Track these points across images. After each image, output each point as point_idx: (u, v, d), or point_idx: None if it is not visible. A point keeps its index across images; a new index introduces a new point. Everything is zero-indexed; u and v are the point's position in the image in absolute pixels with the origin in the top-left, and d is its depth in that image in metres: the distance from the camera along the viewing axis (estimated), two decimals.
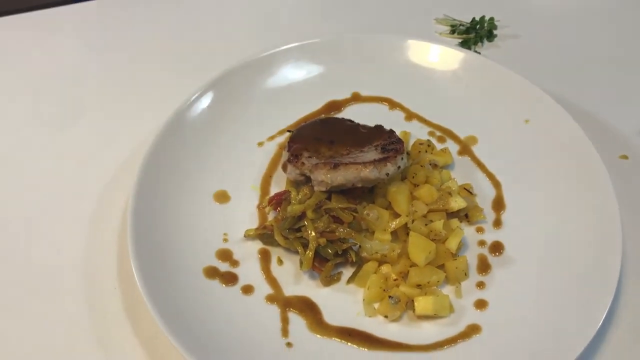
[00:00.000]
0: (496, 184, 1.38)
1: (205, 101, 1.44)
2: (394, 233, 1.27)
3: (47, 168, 1.44)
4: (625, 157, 1.46)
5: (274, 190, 1.37)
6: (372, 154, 1.30)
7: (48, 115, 1.56)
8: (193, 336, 1.10)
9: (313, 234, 1.21)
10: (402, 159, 1.29)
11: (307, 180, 1.30)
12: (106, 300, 1.22)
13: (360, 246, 1.25)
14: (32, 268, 1.27)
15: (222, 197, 1.35)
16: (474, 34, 1.70)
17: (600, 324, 1.10)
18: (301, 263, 1.22)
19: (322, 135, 1.36)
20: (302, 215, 1.24)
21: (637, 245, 1.30)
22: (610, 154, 1.45)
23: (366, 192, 1.31)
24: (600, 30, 1.78)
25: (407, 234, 1.25)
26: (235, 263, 1.25)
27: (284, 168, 1.33)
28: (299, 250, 1.23)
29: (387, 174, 1.26)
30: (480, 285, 1.23)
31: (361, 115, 1.46)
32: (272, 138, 1.46)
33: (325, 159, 1.29)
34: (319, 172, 1.26)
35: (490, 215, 1.33)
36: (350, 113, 1.51)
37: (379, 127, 1.39)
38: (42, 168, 1.44)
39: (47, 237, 1.32)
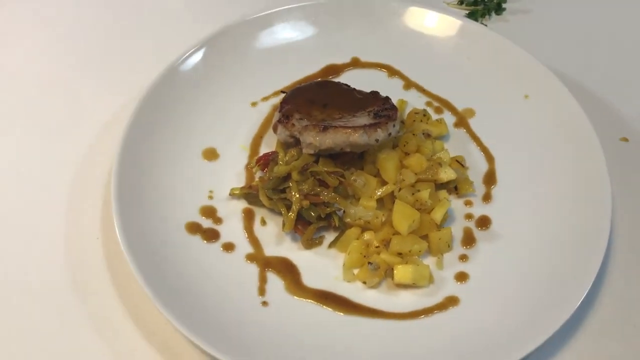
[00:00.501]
0: (489, 158, 1.36)
1: (201, 57, 1.42)
2: (380, 201, 1.26)
3: (37, 118, 1.43)
4: (625, 139, 1.43)
5: (263, 151, 1.36)
6: (364, 120, 1.28)
7: (39, 67, 1.54)
8: (169, 288, 1.10)
9: (297, 195, 1.20)
10: (393, 126, 1.27)
11: (297, 142, 1.28)
12: (87, 249, 1.22)
13: (344, 211, 1.24)
14: (16, 214, 1.28)
15: (211, 154, 1.34)
16: (482, 5, 1.66)
17: (580, 302, 1.09)
18: (284, 224, 1.21)
19: (315, 98, 1.34)
20: (287, 177, 1.23)
21: (628, 229, 1.27)
22: (611, 135, 1.42)
23: (355, 158, 1.29)
24: (615, 10, 1.71)
25: (394, 202, 1.23)
26: (218, 220, 1.25)
27: (275, 129, 1.32)
28: (282, 212, 1.22)
29: (377, 140, 1.24)
30: (463, 258, 1.22)
31: (359, 81, 1.43)
32: (266, 99, 1.44)
33: (316, 122, 1.27)
34: (307, 134, 1.24)
35: (480, 189, 1.31)
36: (349, 78, 1.48)
37: (374, 93, 1.36)
38: (33, 120, 1.43)
39: (33, 185, 1.32)
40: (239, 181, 1.31)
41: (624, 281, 1.20)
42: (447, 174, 1.26)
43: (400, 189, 1.23)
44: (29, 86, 1.49)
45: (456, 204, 1.29)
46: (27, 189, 1.32)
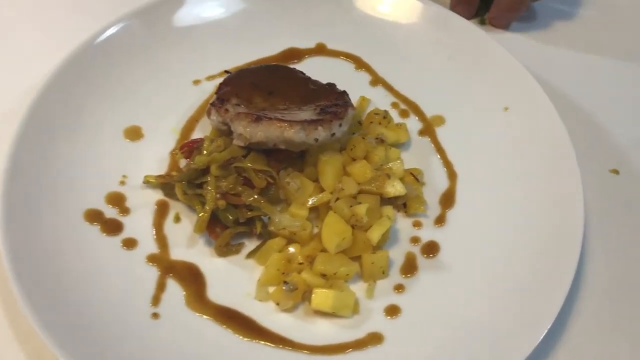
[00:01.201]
0: (452, 175, 1.18)
1: (140, 23, 1.25)
2: (314, 210, 1.09)
3: None
4: (616, 171, 1.24)
5: (196, 136, 1.20)
6: (308, 114, 1.11)
7: None
8: (43, 285, 0.95)
9: (213, 193, 1.03)
10: (339, 125, 1.09)
11: (230, 132, 1.11)
12: None
13: (269, 218, 1.07)
14: None
15: (134, 133, 1.18)
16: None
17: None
18: (195, 225, 1.05)
19: (262, 83, 1.17)
20: (207, 170, 1.06)
21: (605, 275, 1.09)
22: (601, 166, 1.23)
23: (295, 157, 1.12)
24: (625, 29, 1.51)
25: None
26: (125, 210, 1.09)
27: (208, 113, 1.15)
28: (197, 210, 1.05)
29: (316, 140, 1.07)
30: (399, 288, 1.04)
31: (322, 70, 1.26)
32: (211, 78, 1.28)
33: (252, 110, 1.10)
34: (239, 123, 1.07)
35: (434, 209, 1.14)
36: (310, 66, 1.31)
37: (331, 86, 1.20)
38: None
39: None
40: (160, 168, 1.15)
41: (586, 339, 1.02)
42: (395, 188, 1.09)
43: (337, 199, 1.06)
44: None
45: (403, 224, 1.12)
46: None
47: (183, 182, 1.06)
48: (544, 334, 0.94)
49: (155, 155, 1.16)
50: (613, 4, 1.53)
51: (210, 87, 1.27)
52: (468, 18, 1.35)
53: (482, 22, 1.45)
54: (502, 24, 1.43)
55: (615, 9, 1.52)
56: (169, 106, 1.22)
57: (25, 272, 0.94)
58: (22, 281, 0.92)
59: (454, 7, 1.40)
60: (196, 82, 1.27)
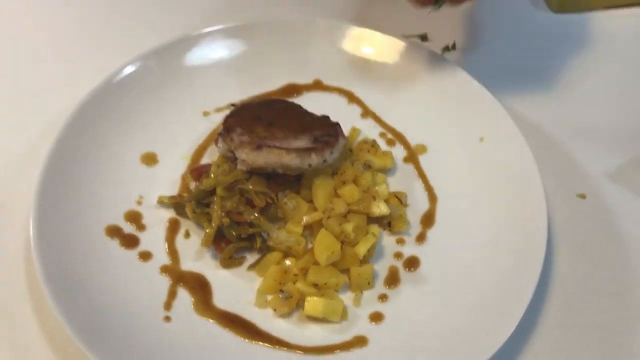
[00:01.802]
0: (432, 198, 1.31)
1: (158, 62, 1.40)
2: (308, 228, 1.22)
3: None
4: (583, 196, 1.37)
5: (204, 162, 1.34)
6: (303, 143, 1.25)
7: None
8: (70, 288, 1.08)
9: (218, 211, 1.17)
10: (330, 153, 1.23)
11: (235, 158, 1.25)
12: (9, 242, 1.21)
13: (268, 234, 1.20)
14: None
15: (150, 159, 1.32)
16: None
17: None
18: (203, 240, 1.18)
19: (263, 115, 1.31)
20: (214, 191, 1.20)
21: (567, 294, 1.21)
22: (568, 191, 1.36)
23: (293, 181, 1.26)
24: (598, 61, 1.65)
25: None
26: (141, 227, 1.23)
27: (216, 141, 1.29)
28: (205, 226, 1.19)
29: (310, 165, 1.21)
30: (383, 298, 1.17)
31: (317, 104, 1.40)
32: (219, 110, 1.42)
33: (254, 139, 1.24)
34: (242, 150, 1.22)
35: (416, 228, 1.27)
36: (309, 99, 1.45)
37: (325, 118, 1.33)
38: None
39: None
40: (173, 190, 1.29)
41: (550, 344, 1.14)
42: (379, 209, 1.22)
43: (328, 218, 1.19)
44: None
45: (388, 241, 1.25)
46: None
47: (192, 201, 1.20)
48: (508, 335, 1.06)
49: (168, 178, 1.30)
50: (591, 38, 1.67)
51: (218, 118, 1.40)
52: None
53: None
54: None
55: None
56: (181, 135, 1.36)
57: (54, 278, 1.07)
58: (52, 286, 1.06)
59: None
60: (205, 113, 1.41)
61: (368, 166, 1.28)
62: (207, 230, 1.17)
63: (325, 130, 1.29)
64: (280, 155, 1.20)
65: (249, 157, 1.21)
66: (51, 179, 1.19)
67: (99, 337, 1.04)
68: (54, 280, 1.07)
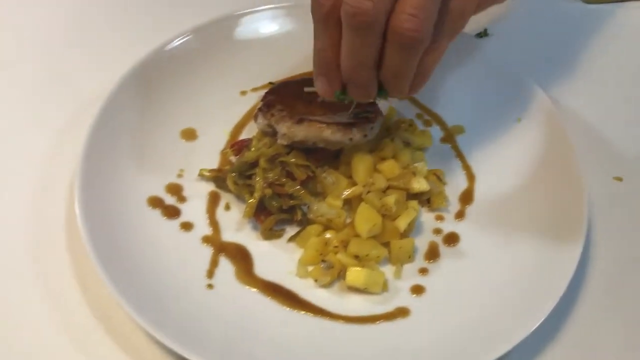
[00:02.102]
0: (470, 177, 1.31)
1: (198, 41, 1.41)
2: (347, 202, 1.23)
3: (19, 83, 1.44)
4: (619, 179, 1.37)
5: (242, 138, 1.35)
6: (343, 118, 1.25)
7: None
8: (115, 255, 1.09)
9: (261, 182, 1.18)
10: (371, 128, 1.24)
11: (275, 133, 1.26)
12: (51, 211, 1.22)
13: (308, 206, 1.21)
14: None
15: (190, 134, 1.33)
16: None
17: (530, 331, 1.03)
18: (245, 211, 1.19)
19: (302, 93, 1.32)
20: (256, 164, 1.21)
21: (606, 271, 1.21)
22: (605, 174, 1.36)
23: (331, 156, 1.27)
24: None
25: None
26: (182, 199, 1.24)
27: (255, 118, 1.30)
28: (246, 198, 1.20)
29: (351, 139, 1.21)
30: (423, 271, 1.17)
31: None
32: (256, 89, 1.43)
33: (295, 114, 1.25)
34: (283, 124, 1.22)
35: (455, 206, 1.27)
36: None
37: None
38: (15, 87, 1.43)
39: (11, 145, 1.33)
40: (213, 164, 1.30)
41: (593, 316, 1.14)
42: (419, 185, 1.23)
43: (368, 192, 1.20)
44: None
45: (427, 217, 1.25)
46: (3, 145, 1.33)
47: (234, 173, 1.21)
48: (550, 310, 1.06)
49: (208, 153, 1.31)
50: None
51: (255, 97, 1.42)
52: (328, 95, 1.12)
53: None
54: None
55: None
56: (219, 112, 1.37)
57: (100, 246, 1.08)
58: (98, 253, 1.06)
59: (314, 82, 1.12)
60: (243, 92, 1.43)
61: (407, 143, 1.29)
62: (250, 201, 1.18)
63: (363, 108, 1.30)
64: (321, 129, 1.20)
65: (290, 130, 1.21)
66: (94, 151, 1.20)
67: (144, 302, 1.04)
68: (100, 248, 1.08)
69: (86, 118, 1.25)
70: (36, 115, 1.37)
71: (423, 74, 1.08)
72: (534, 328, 1.03)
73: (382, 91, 1.10)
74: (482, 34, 1.61)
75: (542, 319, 1.04)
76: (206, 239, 1.18)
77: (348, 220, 1.21)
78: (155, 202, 1.21)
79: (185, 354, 0.98)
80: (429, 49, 1.03)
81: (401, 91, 1.09)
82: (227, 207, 1.24)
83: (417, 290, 1.14)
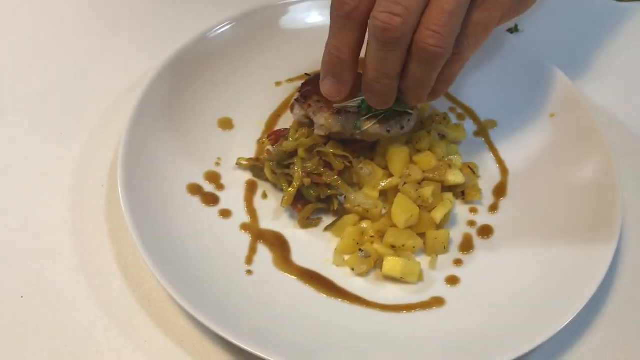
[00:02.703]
0: (504, 171, 1.33)
1: (234, 31, 1.42)
2: (383, 193, 1.25)
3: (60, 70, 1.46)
4: None
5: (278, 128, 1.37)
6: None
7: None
8: (158, 242, 1.11)
9: (299, 172, 1.20)
10: (408, 120, 1.25)
11: (311, 124, 1.28)
12: (91, 195, 1.25)
13: (345, 196, 1.23)
14: (29, 156, 1.31)
15: (226, 124, 1.35)
16: None
17: (563, 326, 1.05)
18: (283, 199, 1.21)
19: None
20: (294, 153, 1.23)
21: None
22: (637, 173, 1.37)
23: (367, 148, 1.29)
24: None
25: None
26: (220, 187, 1.26)
27: (292, 108, 1.32)
28: (284, 187, 1.22)
29: (388, 131, 1.23)
30: (458, 262, 1.19)
31: None
32: (291, 80, 1.45)
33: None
34: (320, 115, 1.24)
35: (488, 199, 1.29)
36: None
37: None
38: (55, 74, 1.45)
39: (53, 129, 1.35)
40: (249, 153, 1.32)
41: (623, 315, 1.15)
42: (455, 177, 1.24)
43: (405, 183, 1.21)
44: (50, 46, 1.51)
45: (461, 209, 1.27)
46: (44, 131, 1.35)
47: (273, 162, 1.23)
48: (582, 307, 1.07)
49: (244, 143, 1.33)
50: None
51: (290, 88, 1.44)
52: (335, 98, 1.14)
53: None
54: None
55: None
56: (255, 103, 1.39)
57: (143, 230, 1.10)
58: (142, 238, 1.08)
59: (320, 82, 1.15)
60: (278, 83, 1.44)
61: (443, 136, 1.31)
62: (289, 190, 1.19)
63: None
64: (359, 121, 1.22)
65: (327, 121, 1.23)
66: (135, 138, 1.22)
67: (185, 285, 1.06)
68: (143, 232, 1.10)
69: (127, 105, 1.27)
70: (74, 104, 1.40)
71: (444, 82, 1.11)
72: (565, 324, 1.04)
73: (398, 100, 1.14)
74: (513, 30, 1.62)
75: (574, 315, 1.05)
76: (244, 227, 1.21)
77: (383, 211, 1.23)
78: (195, 190, 1.23)
79: (225, 335, 1.00)
80: (451, 60, 1.05)
81: (420, 100, 1.12)
82: (265, 196, 1.26)
83: (452, 280, 1.16)
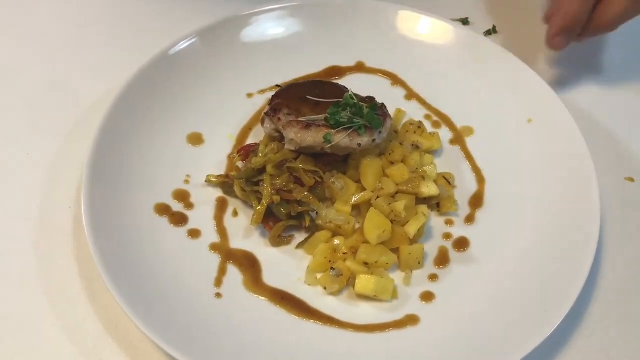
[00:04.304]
0: (480, 180, 1.30)
1: (201, 44, 1.39)
2: (356, 208, 1.22)
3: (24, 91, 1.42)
4: (631, 179, 1.35)
5: (250, 142, 1.33)
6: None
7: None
8: (122, 265, 1.08)
9: (269, 189, 1.17)
10: (379, 132, 1.22)
11: (282, 137, 1.25)
12: (58, 218, 1.22)
13: (317, 212, 1.20)
14: None
15: (196, 139, 1.32)
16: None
17: (543, 339, 1.02)
18: (253, 217, 1.18)
19: (308, 96, 1.31)
20: (263, 170, 1.20)
21: (617, 274, 1.20)
22: (616, 174, 1.34)
23: (340, 161, 1.26)
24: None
25: None
26: (190, 205, 1.23)
27: (262, 122, 1.29)
28: (254, 204, 1.19)
29: (359, 145, 1.20)
30: (433, 277, 1.16)
31: (361, 85, 1.38)
32: (263, 92, 1.42)
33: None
34: (290, 129, 1.21)
35: (465, 209, 1.26)
36: (351, 81, 1.43)
37: (370, 98, 1.32)
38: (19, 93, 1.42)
39: (17, 149, 1.32)
40: (219, 169, 1.29)
41: (602, 328, 1.13)
42: (429, 189, 1.21)
43: (377, 197, 1.19)
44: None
45: (436, 222, 1.24)
46: (10, 150, 1.32)
47: (242, 179, 1.20)
48: (562, 318, 1.04)
49: (214, 158, 1.30)
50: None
51: (262, 100, 1.41)
52: (563, 48, 1.36)
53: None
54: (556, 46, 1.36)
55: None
56: (225, 116, 1.36)
57: (107, 256, 1.07)
58: (105, 262, 1.06)
59: (551, 39, 1.35)
60: (249, 95, 1.41)
61: (416, 147, 1.28)
62: (258, 208, 1.17)
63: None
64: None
65: (297, 136, 1.20)
66: (100, 158, 1.19)
67: (151, 312, 1.04)
68: (107, 258, 1.07)
69: (92, 124, 1.24)
70: (40, 123, 1.36)
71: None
72: (546, 336, 1.02)
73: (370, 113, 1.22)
74: (491, 32, 1.59)
75: (555, 327, 1.03)
76: (214, 247, 1.18)
77: (357, 226, 1.20)
78: (163, 210, 1.20)
79: None
80: None
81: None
82: (235, 214, 1.23)
83: (427, 297, 1.13)
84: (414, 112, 1.41)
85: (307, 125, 1.20)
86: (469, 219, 1.24)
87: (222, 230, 1.20)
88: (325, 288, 1.13)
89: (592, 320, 1.13)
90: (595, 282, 1.18)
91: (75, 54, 1.50)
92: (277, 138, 1.26)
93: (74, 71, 1.46)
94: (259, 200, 1.18)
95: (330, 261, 1.15)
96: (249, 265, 1.16)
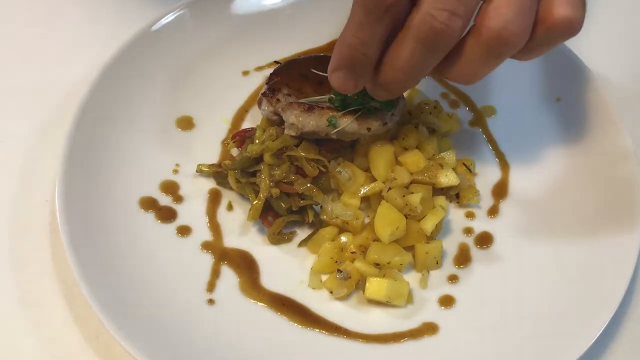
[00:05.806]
0: (504, 166, 1.17)
1: (190, 15, 1.25)
2: (365, 200, 1.09)
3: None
4: None
5: (246, 126, 1.20)
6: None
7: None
8: (104, 274, 0.96)
9: (266, 181, 1.04)
10: (391, 115, 1.09)
11: (281, 121, 1.12)
12: (33, 213, 1.10)
13: (321, 206, 1.07)
14: None
15: (186, 123, 1.19)
16: None
17: (580, 354, 0.90)
18: (249, 213, 1.05)
19: (311, 74, 1.16)
20: (260, 159, 1.07)
21: None
22: None
23: (346, 147, 1.12)
24: None
25: None
26: (179, 199, 1.10)
27: (259, 103, 1.16)
28: (250, 198, 1.06)
29: (369, 129, 1.06)
30: (453, 278, 1.04)
31: None
32: (260, 69, 1.28)
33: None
34: (290, 112, 1.08)
35: (487, 200, 1.13)
36: None
37: None
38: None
39: None
40: (212, 157, 1.16)
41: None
42: (448, 179, 1.08)
43: (389, 189, 1.05)
44: None
45: (455, 215, 1.11)
46: None
47: (236, 170, 1.07)
48: (603, 327, 0.92)
49: (207, 144, 1.17)
50: None
51: (259, 78, 1.27)
52: (350, 92, 0.96)
53: None
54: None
55: None
56: (219, 97, 1.23)
57: (84, 258, 0.96)
58: (83, 268, 0.94)
59: (331, 73, 0.96)
60: (245, 73, 1.27)
61: (433, 130, 1.14)
62: (255, 202, 1.04)
63: None
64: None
65: (298, 120, 1.07)
66: (77, 147, 1.07)
67: (134, 323, 0.92)
68: (84, 260, 0.96)
69: (68, 109, 1.10)
70: (14, 108, 1.23)
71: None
72: (583, 351, 0.89)
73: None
74: None
75: (594, 339, 0.90)
76: (206, 246, 1.05)
77: (367, 221, 1.07)
78: (149, 204, 1.08)
79: None
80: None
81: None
82: (230, 207, 1.10)
83: (446, 301, 1.01)
84: (430, 90, 1.26)
85: (310, 108, 1.07)
86: (492, 212, 1.11)
87: (215, 227, 1.08)
88: (331, 292, 1.01)
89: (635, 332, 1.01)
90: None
91: (51, 32, 1.35)
92: (276, 122, 1.13)
93: (50, 50, 1.32)
94: (256, 193, 1.05)
95: (336, 261, 1.03)
96: (246, 266, 1.04)
